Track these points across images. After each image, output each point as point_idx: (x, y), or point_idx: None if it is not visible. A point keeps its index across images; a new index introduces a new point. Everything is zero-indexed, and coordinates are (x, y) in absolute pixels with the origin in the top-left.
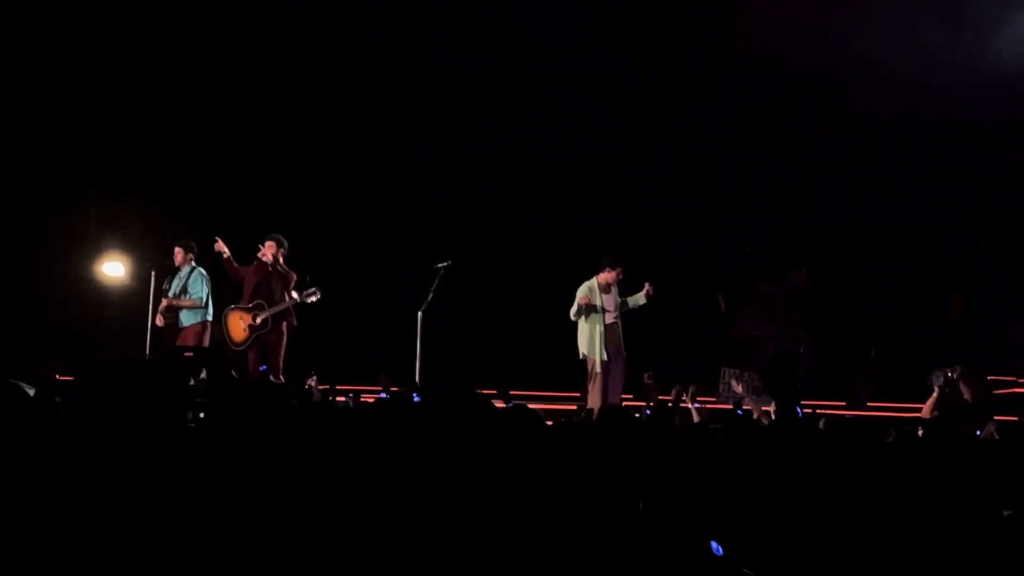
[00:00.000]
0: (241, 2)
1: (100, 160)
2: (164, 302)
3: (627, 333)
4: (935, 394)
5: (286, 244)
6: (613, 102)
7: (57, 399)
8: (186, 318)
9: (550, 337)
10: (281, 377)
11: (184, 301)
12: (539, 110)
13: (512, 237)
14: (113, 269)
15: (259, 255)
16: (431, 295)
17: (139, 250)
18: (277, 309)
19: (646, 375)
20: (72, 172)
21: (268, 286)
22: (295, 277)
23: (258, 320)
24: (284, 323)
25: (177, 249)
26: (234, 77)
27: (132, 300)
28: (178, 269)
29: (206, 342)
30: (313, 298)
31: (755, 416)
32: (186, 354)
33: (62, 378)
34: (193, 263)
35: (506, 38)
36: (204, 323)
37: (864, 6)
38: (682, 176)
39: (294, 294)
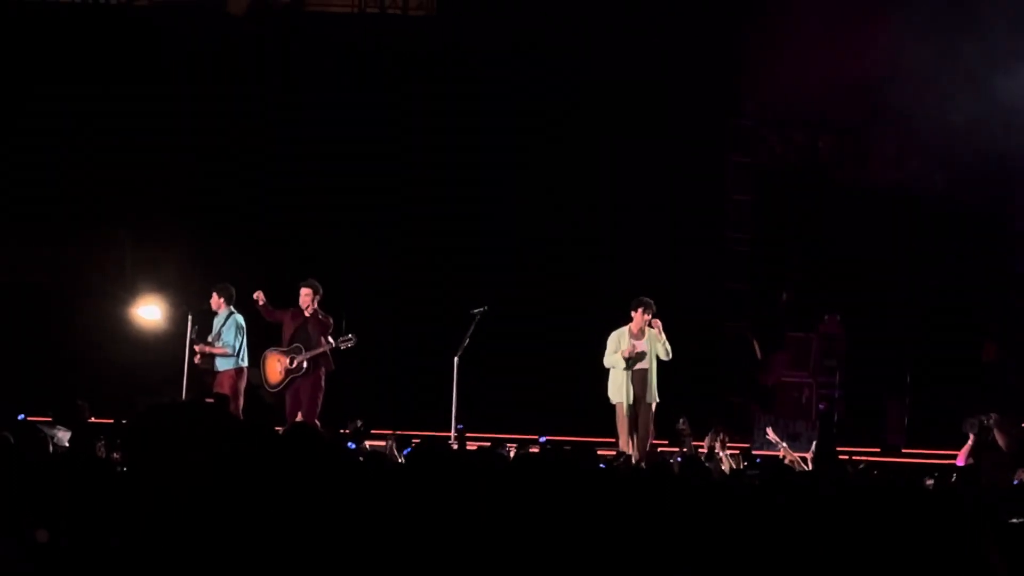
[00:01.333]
0: (283, 49)
1: (136, 203)
2: (197, 349)
3: (662, 378)
4: (970, 441)
5: (321, 290)
6: (645, 142)
7: (95, 442)
8: (221, 363)
9: (585, 381)
10: (317, 422)
11: (216, 348)
12: (569, 148)
13: (544, 280)
14: (149, 313)
15: (300, 302)
16: (467, 340)
17: (175, 294)
18: (313, 353)
19: (680, 421)
20: (108, 216)
21: (306, 331)
22: (331, 322)
23: (294, 363)
24: (322, 368)
25: (215, 295)
26: (266, 121)
27: (168, 343)
28: (215, 314)
29: (241, 387)
30: (348, 344)
31: (787, 461)
32: (207, 400)
33: (97, 421)
34: (231, 309)
35: (542, 81)
36: (239, 369)
37: (889, 49)
38: (714, 219)
39: (330, 339)
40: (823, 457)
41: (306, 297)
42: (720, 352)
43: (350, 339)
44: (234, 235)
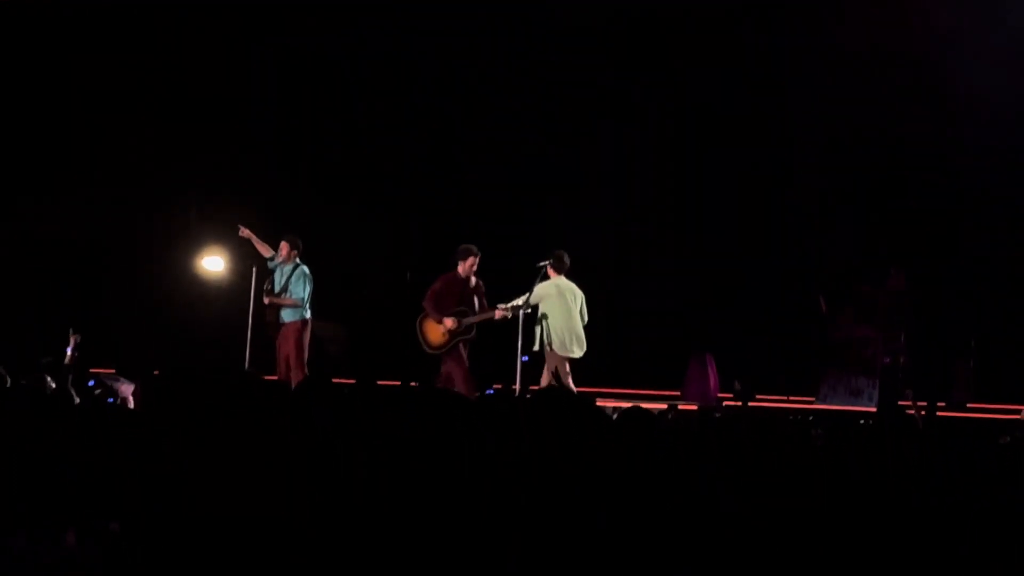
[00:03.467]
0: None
1: (202, 153)
2: (266, 301)
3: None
4: None
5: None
6: (712, 99)
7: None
8: (287, 315)
9: (643, 335)
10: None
11: (285, 300)
12: (642, 100)
13: (614, 232)
14: (213, 264)
15: (465, 268)
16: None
17: (240, 245)
18: (483, 316)
19: (735, 383)
20: (174, 165)
21: (469, 296)
22: (483, 287)
23: (461, 325)
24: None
25: (283, 244)
26: (345, 74)
27: (232, 295)
28: (281, 265)
29: (306, 340)
30: (520, 301)
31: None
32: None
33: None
34: (297, 260)
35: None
36: (304, 321)
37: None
38: (778, 173)
39: (501, 305)
40: (886, 411)
41: (470, 265)
42: (786, 307)
43: (523, 304)
44: (301, 184)
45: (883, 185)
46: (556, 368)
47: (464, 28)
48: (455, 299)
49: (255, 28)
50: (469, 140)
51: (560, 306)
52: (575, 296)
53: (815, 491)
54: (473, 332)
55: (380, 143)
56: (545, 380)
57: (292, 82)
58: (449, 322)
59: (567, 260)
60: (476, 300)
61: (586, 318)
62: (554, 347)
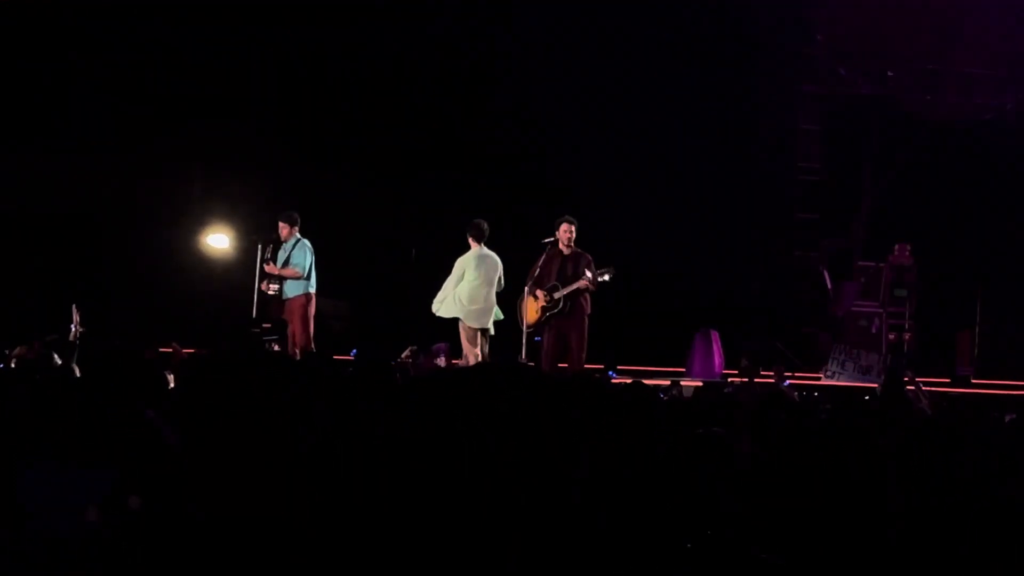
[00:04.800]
0: None
1: (206, 131)
2: (267, 269)
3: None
4: None
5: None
6: (715, 71)
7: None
8: (290, 289)
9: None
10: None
11: (286, 271)
12: (635, 78)
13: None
14: (218, 241)
15: (562, 239)
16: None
17: (244, 222)
18: (572, 287)
19: (742, 359)
20: (177, 143)
21: (566, 269)
22: (590, 258)
23: (553, 298)
24: (584, 311)
25: (282, 224)
26: (345, 74)
27: (237, 272)
28: (283, 243)
29: (311, 314)
30: (607, 276)
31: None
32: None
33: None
34: (297, 235)
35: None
36: (307, 294)
37: None
38: (784, 149)
39: (588, 274)
40: (892, 389)
41: (566, 233)
42: (790, 282)
43: (609, 270)
44: (304, 162)
45: (886, 160)
46: (472, 339)
47: (464, 28)
48: (553, 274)
49: (255, 28)
50: (469, 140)
51: (480, 277)
52: (496, 266)
53: (815, 489)
54: (562, 305)
55: (380, 143)
56: (468, 354)
57: (292, 82)
58: (540, 296)
59: (486, 228)
60: (575, 272)
61: (502, 284)
62: (469, 319)
